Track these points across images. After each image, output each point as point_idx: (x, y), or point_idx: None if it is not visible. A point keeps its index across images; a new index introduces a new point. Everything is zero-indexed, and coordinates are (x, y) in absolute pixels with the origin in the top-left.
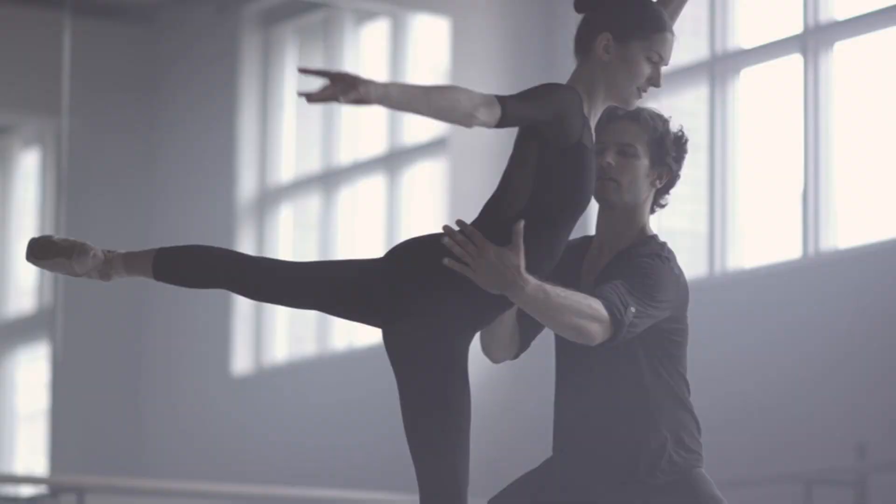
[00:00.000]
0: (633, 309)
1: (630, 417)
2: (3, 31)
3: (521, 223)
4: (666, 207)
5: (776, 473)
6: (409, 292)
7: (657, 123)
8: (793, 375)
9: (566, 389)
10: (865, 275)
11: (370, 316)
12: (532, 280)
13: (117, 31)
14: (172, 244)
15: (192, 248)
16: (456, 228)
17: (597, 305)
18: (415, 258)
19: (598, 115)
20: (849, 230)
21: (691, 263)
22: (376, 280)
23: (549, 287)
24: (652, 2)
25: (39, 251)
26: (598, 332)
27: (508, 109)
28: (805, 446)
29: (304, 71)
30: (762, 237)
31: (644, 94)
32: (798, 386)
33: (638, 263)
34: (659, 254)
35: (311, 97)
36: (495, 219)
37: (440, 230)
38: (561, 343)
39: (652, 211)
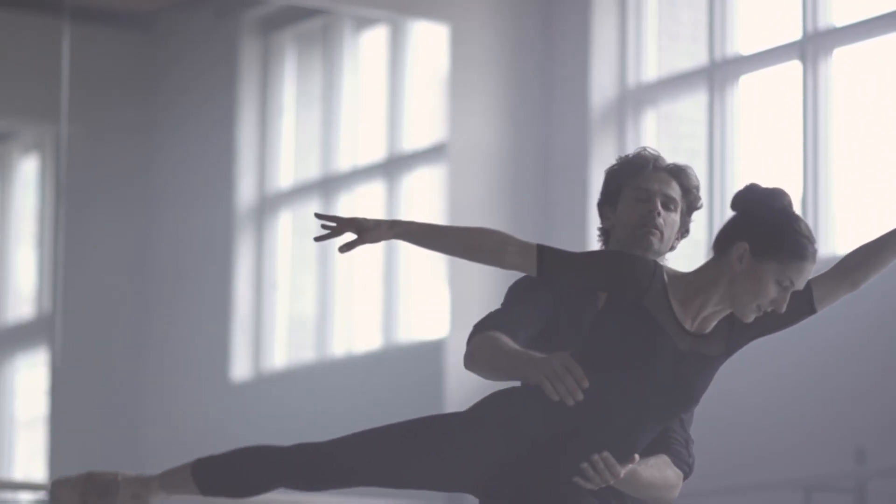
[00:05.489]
0: (692, 436)
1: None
2: (2, 37)
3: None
4: None
5: (775, 479)
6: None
7: (694, 191)
8: (791, 381)
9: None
10: None
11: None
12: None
13: (116, 38)
14: (171, 253)
15: (236, 453)
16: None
17: (673, 474)
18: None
19: (705, 314)
20: (848, 236)
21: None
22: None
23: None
24: (800, 227)
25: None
26: (676, 495)
27: (547, 263)
28: (804, 452)
29: (319, 217)
30: None
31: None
32: (796, 391)
33: None
34: None
35: (318, 238)
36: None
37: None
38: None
39: None
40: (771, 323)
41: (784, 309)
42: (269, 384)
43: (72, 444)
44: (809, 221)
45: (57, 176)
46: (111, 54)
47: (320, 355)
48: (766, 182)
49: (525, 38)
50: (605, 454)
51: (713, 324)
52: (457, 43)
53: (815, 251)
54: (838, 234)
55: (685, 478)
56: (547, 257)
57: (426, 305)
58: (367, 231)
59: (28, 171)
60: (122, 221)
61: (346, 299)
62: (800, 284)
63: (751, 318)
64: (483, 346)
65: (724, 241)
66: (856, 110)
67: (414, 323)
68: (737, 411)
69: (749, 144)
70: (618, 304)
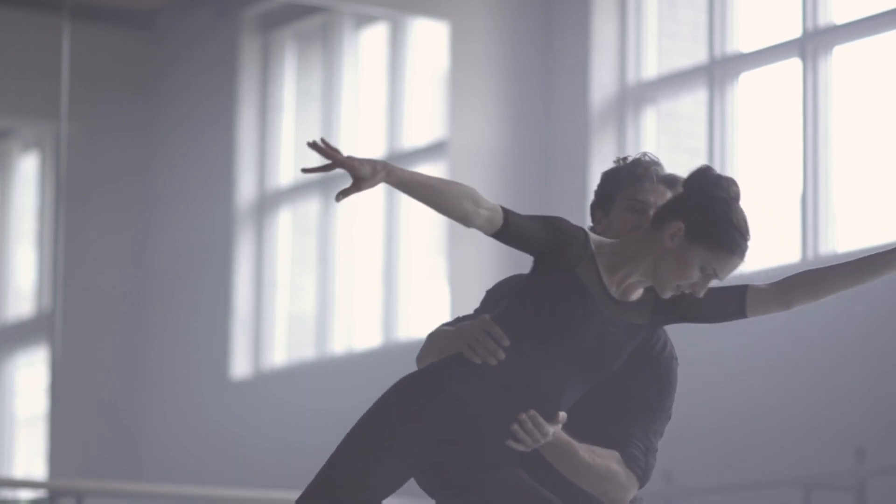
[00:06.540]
0: (656, 446)
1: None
2: (2, 34)
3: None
4: None
5: (775, 478)
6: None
7: None
8: (791, 379)
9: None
10: None
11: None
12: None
13: (116, 35)
14: (171, 251)
15: None
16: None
17: (620, 471)
18: None
19: (629, 282)
20: (847, 234)
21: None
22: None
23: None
24: (737, 220)
25: None
26: (627, 497)
27: (510, 227)
28: (804, 450)
29: (314, 146)
30: (761, 241)
31: (678, 293)
32: (796, 390)
33: (658, 374)
34: (673, 354)
35: (306, 170)
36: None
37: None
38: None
39: None
40: (700, 313)
41: (701, 294)
42: (269, 382)
43: (71, 442)
44: (809, 218)
45: (57, 174)
46: (111, 52)
47: (320, 353)
48: (766, 177)
49: (525, 35)
50: (532, 413)
51: (636, 292)
52: (457, 40)
53: (746, 248)
54: (838, 232)
55: (640, 484)
56: (511, 223)
57: (426, 303)
58: (364, 180)
59: (28, 169)
60: (121, 219)
61: (347, 297)
62: (723, 276)
63: (668, 295)
64: (430, 341)
65: (662, 216)
66: (856, 108)
67: (414, 320)
68: (737, 409)
69: (749, 142)
70: (547, 267)
